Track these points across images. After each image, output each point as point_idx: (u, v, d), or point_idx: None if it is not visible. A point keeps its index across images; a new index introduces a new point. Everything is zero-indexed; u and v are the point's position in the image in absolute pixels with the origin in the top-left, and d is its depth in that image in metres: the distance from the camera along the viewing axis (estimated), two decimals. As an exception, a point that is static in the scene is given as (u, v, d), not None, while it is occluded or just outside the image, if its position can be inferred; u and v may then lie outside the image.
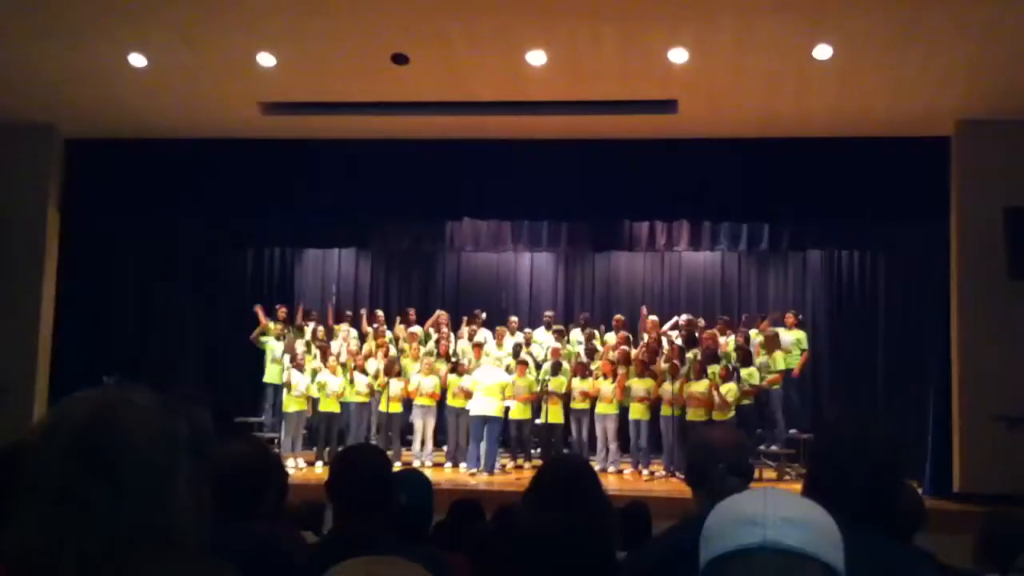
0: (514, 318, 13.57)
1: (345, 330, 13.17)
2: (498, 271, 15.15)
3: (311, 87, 10.15)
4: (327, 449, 11.90)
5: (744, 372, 11.57)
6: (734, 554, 1.19)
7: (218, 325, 13.33)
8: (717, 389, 11.18)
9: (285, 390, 11.88)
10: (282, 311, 13.00)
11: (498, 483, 10.95)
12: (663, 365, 11.84)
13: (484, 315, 13.48)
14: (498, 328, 13.13)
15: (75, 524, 1.28)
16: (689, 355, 12.00)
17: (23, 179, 11.18)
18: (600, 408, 11.87)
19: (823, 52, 8.89)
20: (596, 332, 13.20)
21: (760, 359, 11.94)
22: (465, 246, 13.65)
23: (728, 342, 12.40)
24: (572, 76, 9.67)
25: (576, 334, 13.32)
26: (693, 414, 11.29)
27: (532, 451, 12.32)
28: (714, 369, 11.48)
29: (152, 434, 1.35)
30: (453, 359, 12.48)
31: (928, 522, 3.80)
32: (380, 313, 13.59)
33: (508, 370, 12.07)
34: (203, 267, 13.27)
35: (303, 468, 11.62)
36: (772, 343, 12.03)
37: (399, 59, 9.37)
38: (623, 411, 11.89)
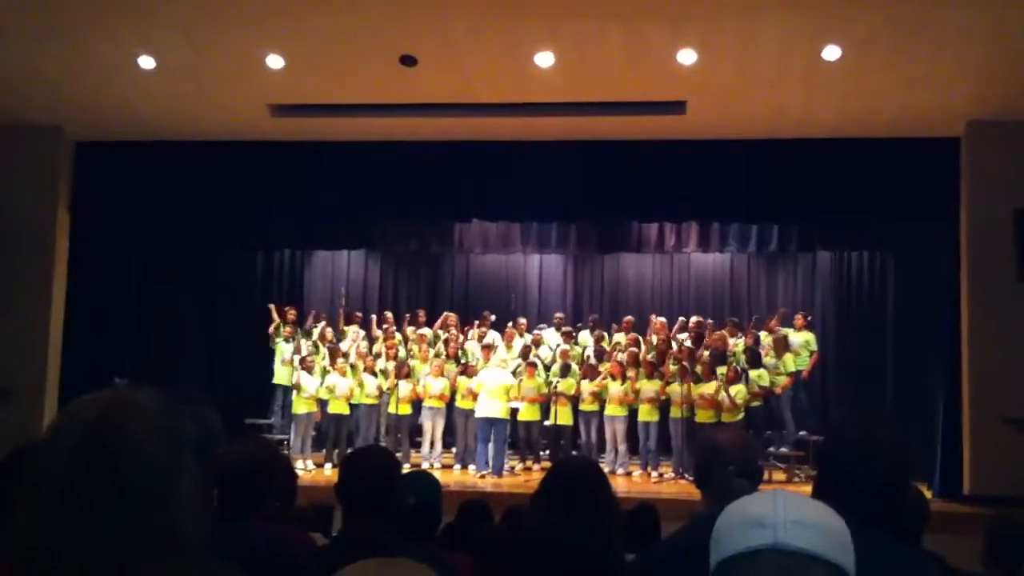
0: (523, 319, 13.58)
1: (354, 332, 13.18)
2: (507, 273, 15.14)
3: (319, 89, 10.17)
4: (336, 451, 11.90)
5: (753, 374, 11.55)
6: (744, 555, 1.19)
7: (225, 327, 13.36)
8: (727, 390, 11.16)
9: (294, 392, 11.90)
10: (291, 313, 13.01)
11: (507, 485, 10.95)
12: (672, 367, 11.82)
13: (493, 317, 13.47)
14: (507, 330, 13.13)
15: (79, 525, 1.28)
16: (698, 356, 11.98)
17: (31, 181, 11.21)
18: (609, 410, 11.85)
19: (831, 53, 8.87)
20: (605, 334, 13.19)
21: (769, 360, 11.92)
22: (473, 248, 13.65)
23: (737, 344, 12.38)
24: (580, 78, 9.67)
25: (585, 336, 13.30)
26: (702, 416, 11.28)
27: (541, 453, 12.31)
28: (722, 371, 11.47)
29: (157, 435, 1.36)
30: (462, 361, 12.49)
31: (936, 524, 3.78)
32: (389, 315, 13.61)
33: (515, 373, 12.06)
34: (211, 269, 13.31)
35: (312, 470, 11.64)
36: (781, 345, 12.00)
37: (407, 61, 9.38)
38: (632, 413, 11.87)
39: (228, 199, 11.51)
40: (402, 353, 12.69)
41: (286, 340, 12.66)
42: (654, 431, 11.74)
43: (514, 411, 11.88)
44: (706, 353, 11.96)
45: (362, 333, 13.26)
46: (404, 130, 10.85)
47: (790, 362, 11.88)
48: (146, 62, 9.54)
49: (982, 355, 9.98)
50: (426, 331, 13.21)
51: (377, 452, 3.37)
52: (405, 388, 11.96)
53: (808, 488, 2.08)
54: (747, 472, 2.62)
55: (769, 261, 14.30)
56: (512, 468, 12.01)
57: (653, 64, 9.38)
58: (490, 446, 11.49)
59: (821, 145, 10.58)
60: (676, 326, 12.96)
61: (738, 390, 11.19)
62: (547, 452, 12.25)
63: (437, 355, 12.53)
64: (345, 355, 12.39)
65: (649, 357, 12.14)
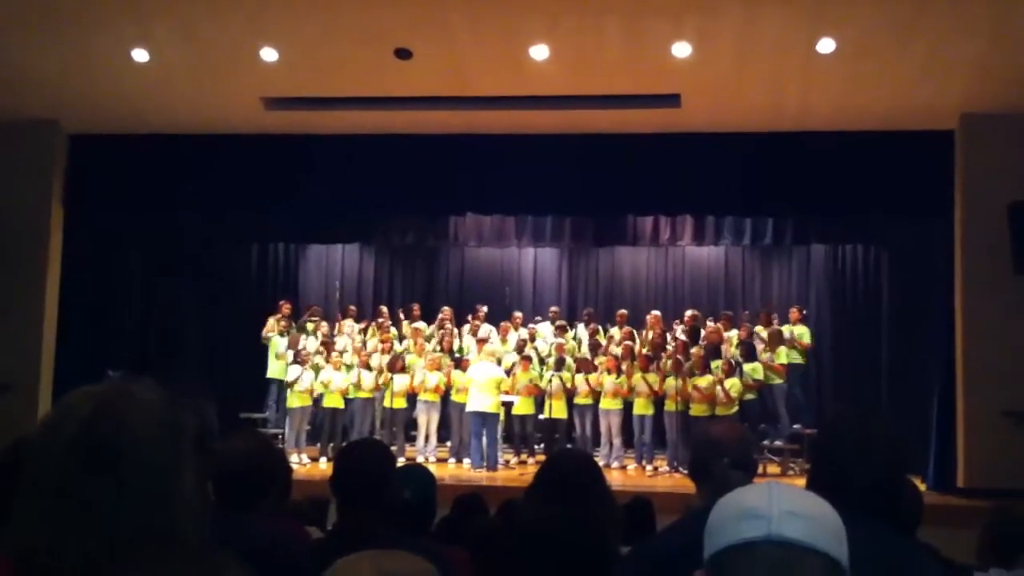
0: (518, 313, 13.59)
1: (349, 326, 13.17)
2: (502, 266, 15.15)
3: (314, 82, 10.15)
4: (331, 445, 11.91)
5: (747, 367, 11.57)
6: (738, 547, 1.19)
7: (221, 321, 13.36)
8: (721, 384, 11.18)
9: (289, 386, 11.90)
10: (286, 307, 13.01)
11: (501, 479, 10.96)
12: (666, 360, 11.84)
13: (485, 309, 13.48)
14: (502, 324, 13.14)
15: (77, 522, 1.28)
16: (693, 350, 12.00)
17: (27, 175, 11.18)
18: (604, 403, 11.87)
19: (826, 46, 8.88)
20: (600, 327, 13.19)
21: (764, 355, 11.93)
22: (468, 241, 13.65)
23: (731, 337, 12.40)
24: (575, 70, 9.66)
25: (580, 329, 13.31)
26: (696, 409, 11.30)
27: (536, 446, 12.32)
28: (717, 364, 11.49)
29: (156, 429, 1.35)
30: (457, 355, 12.49)
31: (930, 517, 3.80)
32: (384, 309, 13.61)
33: (510, 369, 12.06)
34: (206, 262, 13.28)
35: (307, 464, 11.64)
36: (776, 339, 12.02)
37: (402, 54, 9.36)
38: (627, 406, 11.89)
39: (223, 193, 11.49)
40: (397, 347, 12.68)
41: (280, 334, 12.65)
42: (649, 425, 11.75)
43: (508, 405, 11.89)
44: (702, 347, 11.98)
45: (357, 327, 13.25)
46: (399, 123, 10.84)
47: (782, 355, 11.89)
48: (140, 55, 9.52)
49: (976, 348, 10.00)
50: (421, 325, 13.21)
51: (372, 446, 3.37)
52: (400, 382, 11.96)
53: (802, 481, 2.08)
54: (742, 465, 2.62)
55: (764, 254, 14.31)
56: (507, 462, 12.02)
57: (648, 57, 9.37)
58: (484, 440, 11.50)
59: (816, 138, 10.58)
60: (681, 327, 12.92)
61: (732, 383, 11.21)
62: (542, 446, 12.26)
63: (432, 349, 12.53)
64: (342, 353, 12.37)
65: (644, 351, 12.15)
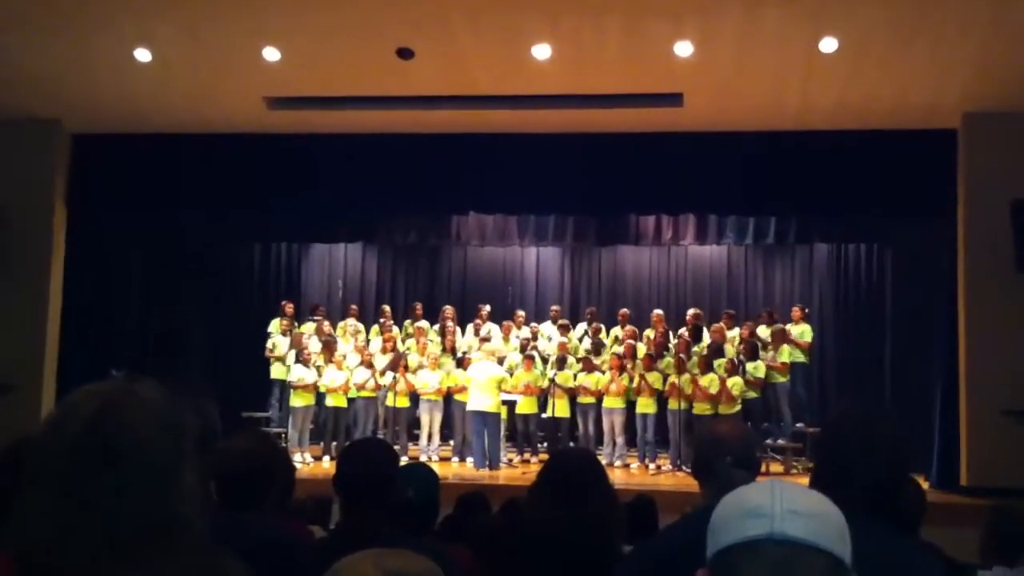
0: (520, 312, 13.59)
1: (352, 325, 13.17)
2: (504, 265, 15.15)
3: (316, 82, 10.15)
4: (334, 444, 11.92)
5: (750, 366, 11.57)
6: (741, 545, 1.19)
7: (224, 320, 13.38)
8: (724, 382, 11.18)
9: (292, 386, 11.90)
10: (288, 307, 13.02)
11: (504, 477, 10.97)
12: (669, 359, 11.84)
13: (488, 308, 13.48)
14: (504, 322, 13.14)
15: (80, 519, 1.28)
16: (696, 349, 12.01)
17: (29, 174, 11.19)
18: (607, 402, 11.88)
19: (829, 45, 8.87)
20: (602, 327, 13.19)
21: (767, 353, 11.93)
22: (471, 240, 13.63)
23: (733, 337, 12.40)
24: (577, 70, 9.66)
25: (582, 328, 13.31)
26: (699, 408, 11.30)
27: (538, 445, 12.33)
28: (720, 363, 11.48)
29: (159, 428, 1.35)
30: (459, 354, 12.50)
31: (933, 516, 3.79)
32: (387, 308, 13.61)
33: (510, 370, 12.07)
34: (209, 262, 13.30)
35: (310, 463, 11.65)
36: (779, 337, 12.01)
37: (404, 53, 9.36)
38: (630, 405, 11.89)
39: (225, 192, 11.50)
40: (400, 347, 12.69)
41: (283, 334, 12.66)
42: (652, 423, 11.76)
43: (512, 403, 11.89)
44: (705, 346, 11.99)
45: (360, 326, 13.26)
46: (401, 123, 10.84)
47: (785, 354, 11.89)
48: (143, 55, 9.52)
49: (979, 347, 9.99)
50: (423, 324, 13.21)
51: (375, 445, 3.37)
52: (402, 381, 11.96)
53: (805, 480, 2.08)
54: (745, 463, 2.62)
55: (766, 253, 14.30)
56: (510, 460, 12.03)
57: (650, 56, 9.37)
58: (486, 439, 11.50)
59: (818, 137, 10.58)
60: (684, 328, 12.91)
61: (734, 382, 11.21)
62: (544, 444, 12.27)
63: (435, 348, 12.54)
64: (344, 356, 12.38)
65: (647, 350, 12.16)
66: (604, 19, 8.78)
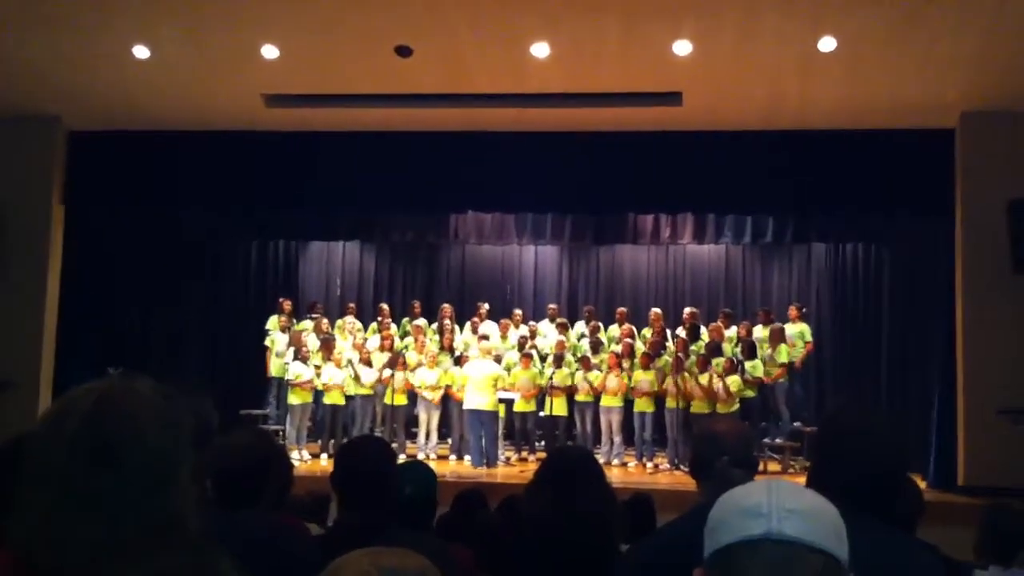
0: (518, 311, 13.59)
1: (350, 323, 13.17)
2: (502, 264, 15.15)
3: (314, 79, 10.15)
4: (332, 441, 11.92)
5: (748, 365, 11.58)
6: (739, 545, 1.19)
7: (222, 318, 13.37)
8: (723, 380, 11.18)
9: (290, 384, 11.90)
10: (287, 304, 13.01)
11: (502, 475, 10.97)
12: (667, 358, 11.84)
13: (487, 306, 13.48)
14: (502, 321, 13.14)
15: (80, 515, 1.28)
16: (693, 348, 12.01)
17: (28, 171, 11.19)
18: (605, 400, 11.88)
19: (827, 44, 8.87)
20: (600, 325, 13.19)
21: (765, 352, 11.94)
22: (469, 239, 13.62)
23: (731, 336, 12.41)
24: (576, 68, 9.66)
25: (580, 327, 13.31)
26: (697, 407, 11.31)
27: (536, 443, 12.33)
28: (718, 362, 11.49)
29: (157, 424, 1.35)
30: (457, 352, 12.49)
31: (930, 515, 3.80)
32: (385, 306, 13.61)
33: (508, 369, 12.07)
34: (206, 259, 13.29)
35: (308, 460, 11.65)
36: (777, 336, 12.02)
37: (402, 51, 9.36)
38: (627, 404, 11.90)
39: (223, 189, 11.50)
40: (399, 344, 12.69)
41: (281, 331, 12.66)
42: (650, 422, 11.76)
43: (509, 402, 11.89)
44: (703, 345, 12.00)
45: (358, 324, 13.25)
46: (399, 120, 10.84)
47: (784, 353, 11.90)
48: (142, 52, 9.52)
49: (977, 346, 10.00)
50: (421, 322, 13.21)
51: (373, 442, 3.37)
52: (400, 379, 11.96)
53: (802, 479, 2.08)
54: (742, 462, 2.62)
55: (765, 252, 14.30)
56: (507, 459, 12.04)
57: (649, 55, 9.37)
58: (483, 438, 11.49)
59: (817, 136, 10.59)
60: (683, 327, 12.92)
61: (732, 380, 11.21)
62: (542, 443, 12.27)
63: (435, 347, 12.54)
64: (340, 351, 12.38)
65: (645, 348, 12.17)
66: (603, 18, 8.78)
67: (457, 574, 2.77)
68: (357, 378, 12.00)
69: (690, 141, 10.76)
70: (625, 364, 11.92)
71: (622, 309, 13.38)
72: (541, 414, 12.13)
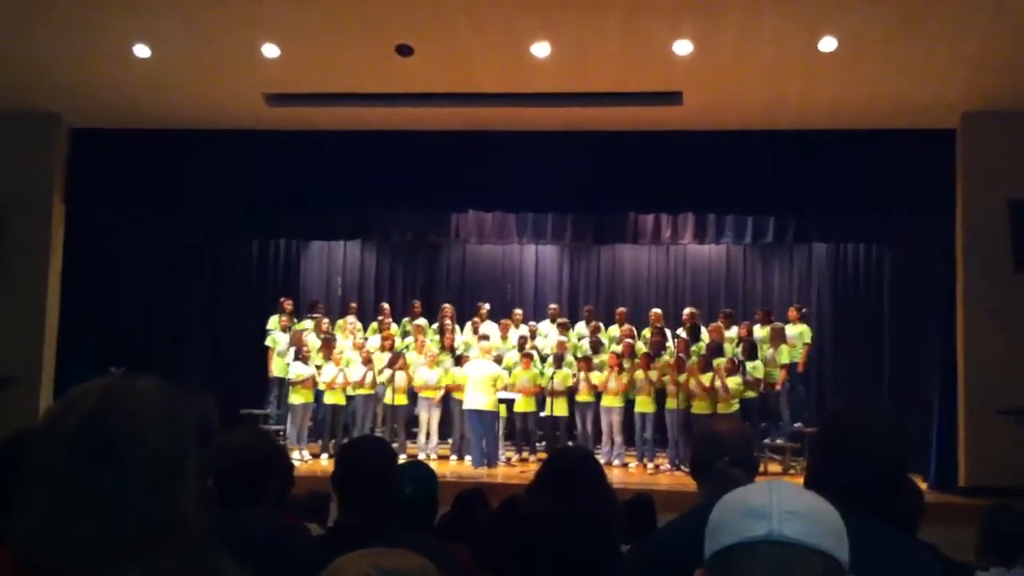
0: (518, 311, 13.59)
1: (351, 322, 13.17)
2: (503, 263, 15.15)
3: (315, 78, 10.15)
4: (332, 441, 11.92)
5: (749, 365, 11.57)
6: (739, 546, 1.19)
7: (223, 317, 13.37)
8: (723, 381, 11.18)
9: (290, 382, 11.90)
10: (287, 304, 13.01)
11: (502, 476, 10.97)
12: (667, 358, 11.84)
13: (487, 306, 13.48)
14: (502, 320, 13.14)
15: (81, 514, 1.28)
16: (694, 348, 12.01)
17: (29, 169, 11.19)
18: (605, 401, 11.87)
19: (828, 44, 8.88)
20: (601, 325, 13.19)
21: (766, 353, 11.94)
22: (469, 238, 13.61)
23: (731, 336, 12.40)
24: (577, 68, 9.66)
25: (581, 327, 13.31)
26: (698, 407, 11.31)
27: (537, 444, 12.33)
28: (719, 362, 11.48)
29: (160, 423, 1.35)
30: (459, 352, 12.49)
31: (931, 516, 3.80)
32: (386, 306, 13.60)
33: (508, 369, 12.06)
34: (207, 258, 13.29)
35: (308, 460, 11.65)
36: (778, 336, 12.02)
37: (403, 51, 9.36)
38: (628, 404, 11.89)
39: (224, 188, 11.52)
40: (399, 344, 12.68)
41: (282, 331, 12.66)
42: (650, 422, 11.76)
43: (510, 402, 11.88)
44: (704, 346, 12.00)
45: (359, 324, 13.25)
46: (400, 120, 10.84)
47: (785, 354, 11.90)
48: (143, 50, 9.53)
49: (978, 347, 10.01)
50: (422, 321, 13.21)
51: (373, 442, 3.37)
52: (401, 379, 11.95)
53: (802, 479, 2.08)
54: (743, 463, 2.62)
55: (765, 252, 14.30)
56: (508, 459, 12.04)
57: (650, 55, 9.37)
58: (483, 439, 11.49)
59: (817, 136, 10.60)
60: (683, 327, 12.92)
61: (733, 380, 11.20)
62: (543, 443, 12.27)
63: (435, 346, 12.53)
64: (340, 350, 12.37)
65: (645, 349, 12.16)
66: (604, 17, 8.78)
67: (457, 575, 2.77)
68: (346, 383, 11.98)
69: (691, 141, 10.76)
70: (626, 364, 11.91)
71: (621, 309, 13.36)
72: (542, 414, 12.13)
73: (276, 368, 12.49)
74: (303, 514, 4.13)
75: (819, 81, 9.61)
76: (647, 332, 12.80)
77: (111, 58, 9.75)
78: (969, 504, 8.55)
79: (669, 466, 11.62)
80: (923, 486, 8.90)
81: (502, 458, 11.85)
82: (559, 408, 11.91)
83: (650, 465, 11.70)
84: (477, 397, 11.43)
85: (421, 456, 11.34)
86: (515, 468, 11.58)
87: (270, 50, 9.44)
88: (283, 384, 12.31)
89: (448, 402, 12.18)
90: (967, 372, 10.09)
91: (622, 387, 11.74)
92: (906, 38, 8.78)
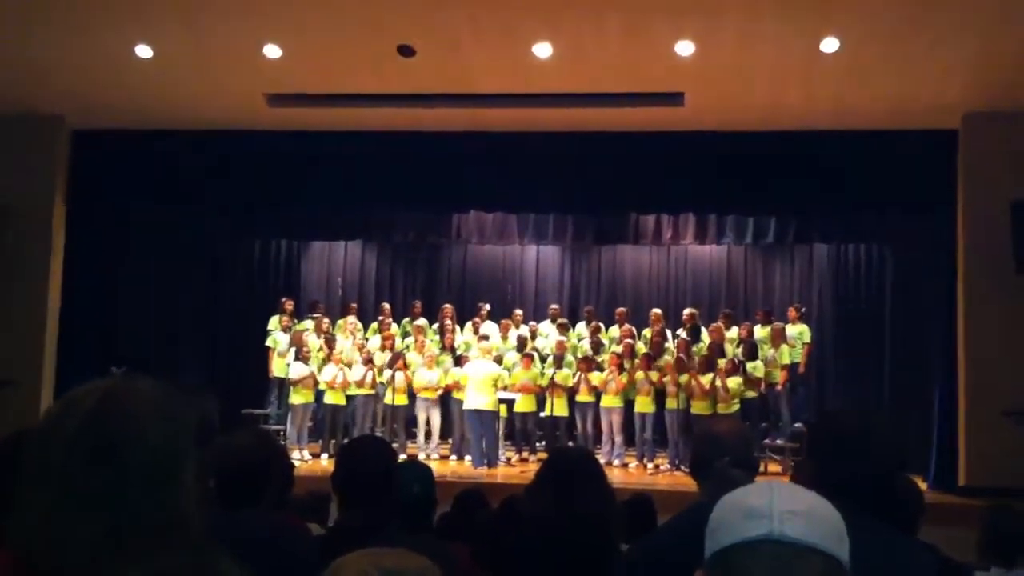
0: (519, 311, 13.59)
1: (352, 322, 13.17)
2: (504, 264, 15.15)
3: (317, 79, 10.16)
4: (332, 441, 11.92)
5: (749, 365, 11.57)
6: (740, 546, 1.19)
7: (224, 317, 13.37)
8: (723, 381, 11.17)
9: (291, 382, 11.90)
10: (288, 304, 13.01)
11: (502, 476, 10.98)
12: (667, 358, 11.84)
13: (488, 307, 13.48)
14: (503, 321, 13.14)
15: (81, 514, 1.28)
16: (694, 348, 12.00)
17: (31, 170, 11.18)
18: (605, 401, 11.87)
19: (830, 45, 8.88)
20: (602, 325, 13.19)
21: (766, 353, 11.93)
22: (471, 238, 13.62)
23: (732, 337, 12.40)
24: (578, 69, 9.66)
25: (581, 328, 13.31)
26: (698, 407, 11.30)
27: (537, 444, 12.33)
28: (721, 362, 11.48)
29: (160, 423, 1.35)
30: (459, 352, 12.49)
31: (931, 516, 3.80)
32: (386, 306, 13.61)
33: (508, 369, 12.06)
34: (209, 258, 13.29)
35: (309, 460, 11.66)
36: (779, 336, 12.02)
37: (405, 51, 9.36)
38: (628, 404, 11.89)
39: (225, 188, 11.51)
40: (399, 344, 12.69)
41: (283, 331, 12.66)
42: (650, 422, 11.75)
43: (510, 402, 11.88)
44: (705, 346, 12.00)
45: (359, 324, 13.26)
46: (401, 120, 10.84)
47: (785, 354, 11.90)
48: (144, 51, 9.53)
49: (979, 347, 10.00)
50: (422, 322, 13.21)
51: (373, 442, 3.38)
52: (401, 379, 11.95)
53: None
54: (743, 463, 2.62)
55: (766, 253, 14.30)
56: (508, 459, 12.04)
57: (651, 56, 9.37)
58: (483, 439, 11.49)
59: (819, 137, 10.58)
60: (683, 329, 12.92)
61: (733, 380, 11.20)
62: (543, 443, 12.27)
63: (435, 347, 12.53)
64: (340, 350, 12.37)
65: (645, 349, 12.16)
66: (605, 18, 8.78)
67: (457, 575, 2.77)
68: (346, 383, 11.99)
69: (692, 141, 10.75)
70: (626, 365, 11.91)
71: (621, 309, 13.36)
72: (542, 414, 12.13)
73: (276, 368, 12.49)
74: (303, 514, 4.13)
75: (821, 82, 9.60)
76: (647, 332, 12.79)
77: (113, 59, 9.74)
78: (969, 504, 8.55)
79: (669, 466, 11.62)
80: (923, 486, 8.89)
81: (502, 458, 11.85)
82: (559, 408, 11.91)
83: (650, 465, 11.70)
84: (477, 397, 11.43)
85: (421, 456, 11.34)
86: (515, 468, 11.58)
87: (271, 50, 9.44)
88: (283, 384, 12.32)
89: (448, 402, 12.18)
90: (968, 372, 10.08)
91: (620, 387, 11.73)
92: (908, 39, 8.78)
